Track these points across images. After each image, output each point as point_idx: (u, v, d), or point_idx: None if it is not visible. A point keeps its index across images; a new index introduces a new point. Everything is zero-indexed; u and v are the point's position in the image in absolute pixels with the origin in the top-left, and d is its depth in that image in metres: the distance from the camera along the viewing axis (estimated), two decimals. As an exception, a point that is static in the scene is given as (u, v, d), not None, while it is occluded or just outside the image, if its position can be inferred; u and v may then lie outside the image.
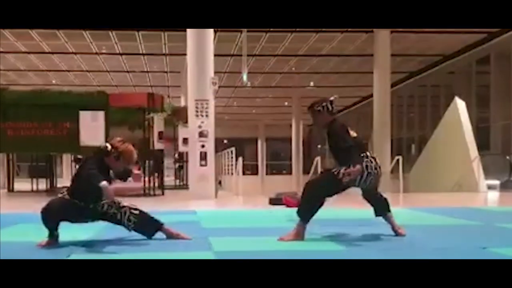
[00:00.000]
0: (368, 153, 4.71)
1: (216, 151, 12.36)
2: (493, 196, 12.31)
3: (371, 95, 17.82)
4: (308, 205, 4.66)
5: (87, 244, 4.60)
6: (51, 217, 4.44)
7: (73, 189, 4.56)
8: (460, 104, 14.23)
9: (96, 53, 19.62)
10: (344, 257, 4.00)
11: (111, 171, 4.64)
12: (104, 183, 4.19)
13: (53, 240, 4.48)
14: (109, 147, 4.59)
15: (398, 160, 13.50)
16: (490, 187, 13.90)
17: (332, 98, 4.90)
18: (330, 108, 4.83)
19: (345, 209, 7.90)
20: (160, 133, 12.51)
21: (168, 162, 17.28)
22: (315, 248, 4.39)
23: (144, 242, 4.63)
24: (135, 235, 4.78)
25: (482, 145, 15.89)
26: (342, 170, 4.48)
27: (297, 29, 15.93)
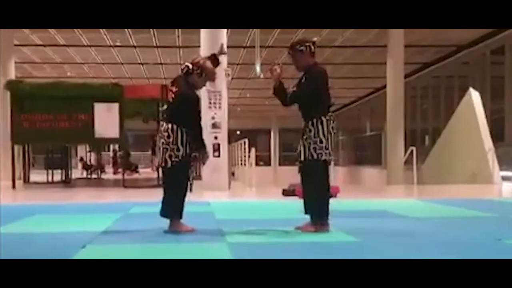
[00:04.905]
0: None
1: (229, 142, 12.38)
2: (508, 187, 12.22)
3: (385, 86, 17.69)
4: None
5: (102, 235, 4.67)
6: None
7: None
8: (474, 95, 14.09)
9: (111, 46, 19.70)
10: (357, 248, 4.03)
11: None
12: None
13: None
14: (190, 66, 4.78)
15: (412, 151, 13.43)
16: (504, 179, 13.79)
17: (315, 39, 4.78)
18: (312, 49, 4.66)
19: (355, 200, 7.92)
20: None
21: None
22: (328, 239, 4.40)
23: (158, 233, 4.69)
24: (148, 226, 4.83)
25: (497, 136, 15.74)
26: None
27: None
